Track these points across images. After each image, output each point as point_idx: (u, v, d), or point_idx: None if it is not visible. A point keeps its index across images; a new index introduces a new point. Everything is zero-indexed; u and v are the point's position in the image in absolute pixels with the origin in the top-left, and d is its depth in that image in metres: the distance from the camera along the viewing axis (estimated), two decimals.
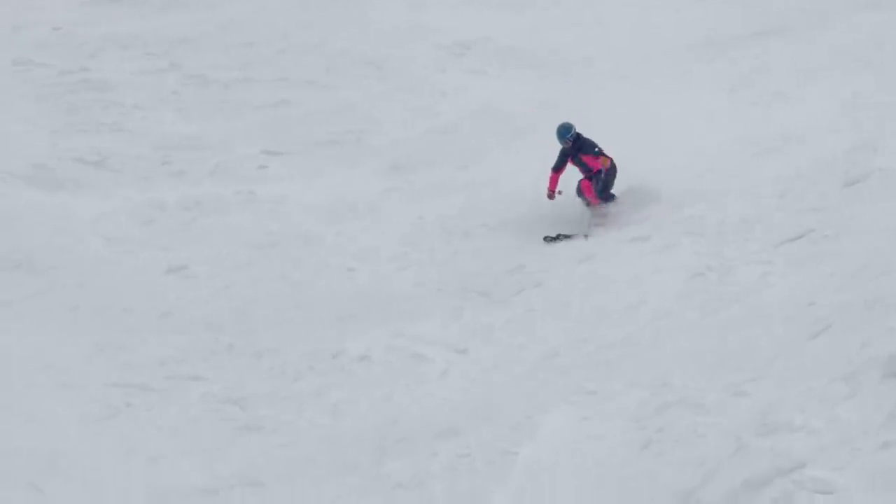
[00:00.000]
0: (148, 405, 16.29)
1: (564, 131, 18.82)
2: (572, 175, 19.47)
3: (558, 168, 18.95)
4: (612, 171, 19.05)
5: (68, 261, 20.42)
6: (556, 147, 19.46)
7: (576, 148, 18.78)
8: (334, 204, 21.73)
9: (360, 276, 19.23)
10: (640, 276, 16.53)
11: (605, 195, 19.24)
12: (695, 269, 16.00)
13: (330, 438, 14.52)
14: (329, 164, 23.65)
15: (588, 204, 19.26)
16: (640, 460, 11.09)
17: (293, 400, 15.84)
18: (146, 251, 20.81)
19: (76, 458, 15.17)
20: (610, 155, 18.90)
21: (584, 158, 18.87)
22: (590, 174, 19.12)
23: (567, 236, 18.63)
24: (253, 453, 14.63)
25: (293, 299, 18.80)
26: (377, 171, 22.93)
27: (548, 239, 18.58)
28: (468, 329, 16.71)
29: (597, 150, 18.72)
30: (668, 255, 16.95)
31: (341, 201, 21.82)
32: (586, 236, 18.52)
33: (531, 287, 17.58)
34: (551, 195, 18.95)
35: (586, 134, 19.12)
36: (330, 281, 19.20)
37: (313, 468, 13.73)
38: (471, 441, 12.87)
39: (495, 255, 18.70)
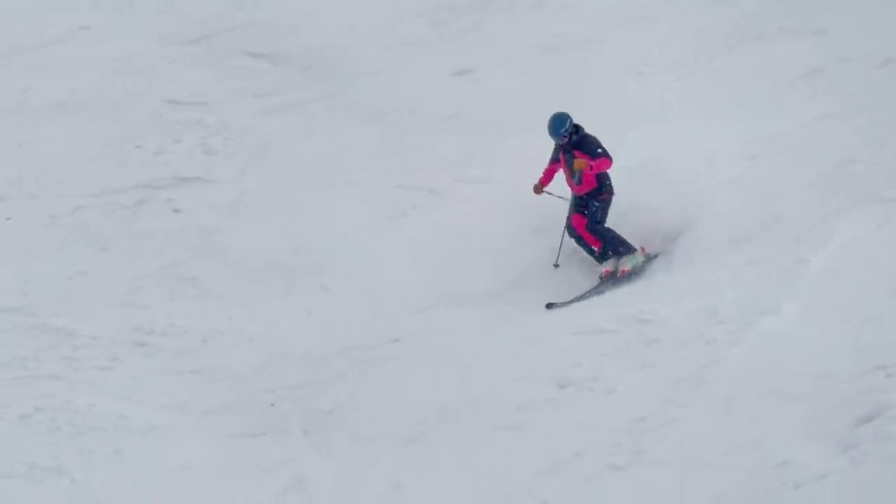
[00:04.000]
0: (433, 207, 16.64)
1: (559, 124, 13.90)
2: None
3: (553, 162, 14.47)
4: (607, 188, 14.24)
5: (357, 62, 20.90)
6: None
7: (570, 144, 13.96)
8: (620, 7, 21.33)
9: (649, 80, 18.96)
10: None
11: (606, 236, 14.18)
12: None
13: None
14: None
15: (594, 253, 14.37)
16: None
17: None
18: (434, 53, 21.04)
19: (363, 258, 15.75)
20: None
21: (579, 157, 13.93)
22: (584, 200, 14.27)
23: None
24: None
25: (579, 104, 18.66)
26: None
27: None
28: (758, 134, 16.28)
29: (600, 150, 13.82)
30: None
31: (628, 5, 21.40)
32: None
33: (822, 93, 17.02)
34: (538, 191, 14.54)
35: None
36: (618, 86, 18.98)
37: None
38: (761, 248, 12.72)
39: (783, 62, 18.11)
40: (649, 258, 13.93)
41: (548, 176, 14.27)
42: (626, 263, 13.82)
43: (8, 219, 17.46)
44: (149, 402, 13.40)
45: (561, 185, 14.52)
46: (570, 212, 14.12)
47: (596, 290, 13.76)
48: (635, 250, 13.92)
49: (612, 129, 16.72)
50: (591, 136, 13.80)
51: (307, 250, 16.11)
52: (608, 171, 13.86)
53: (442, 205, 16.61)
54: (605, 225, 13.97)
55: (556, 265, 14.21)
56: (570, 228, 14.08)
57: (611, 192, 14.03)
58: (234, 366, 14.10)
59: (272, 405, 13.08)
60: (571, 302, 13.56)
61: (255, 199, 17.61)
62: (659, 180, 15.26)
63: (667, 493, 8.47)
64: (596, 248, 13.96)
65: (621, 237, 13.94)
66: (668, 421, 9.62)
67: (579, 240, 14.04)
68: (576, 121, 13.87)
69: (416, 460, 10.92)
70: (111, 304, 15.39)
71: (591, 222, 13.94)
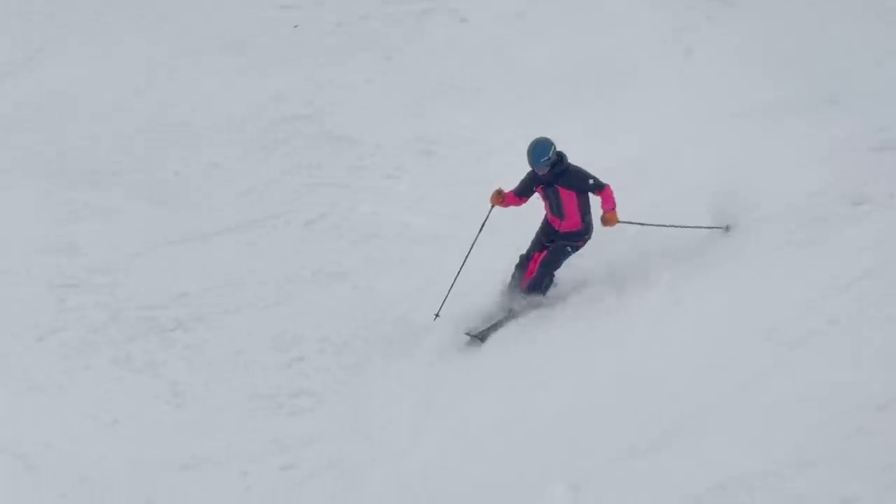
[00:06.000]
0: (729, 19, 16.10)
1: (540, 152, 11.38)
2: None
3: (520, 195, 11.90)
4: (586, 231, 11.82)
5: None
6: None
7: (552, 175, 11.52)
8: None
9: None
10: None
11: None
12: None
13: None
14: None
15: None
16: None
17: None
18: None
19: (648, 74, 15.46)
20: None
21: (562, 193, 11.61)
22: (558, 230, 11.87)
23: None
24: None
25: None
26: None
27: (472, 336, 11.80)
28: None
29: (592, 181, 11.46)
30: None
31: None
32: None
33: None
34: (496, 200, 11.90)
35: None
36: None
37: None
38: None
39: None
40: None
41: (511, 200, 11.86)
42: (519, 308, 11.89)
43: (295, 26, 17.86)
44: (431, 212, 13.65)
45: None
46: (533, 245, 11.97)
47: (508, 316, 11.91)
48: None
49: None
50: (576, 169, 11.52)
51: (593, 62, 15.92)
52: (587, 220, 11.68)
53: (738, 18, 16.09)
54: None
55: (437, 315, 11.80)
56: (525, 257, 11.94)
57: (586, 241, 11.86)
58: (518, 177, 14.16)
59: None
60: (488, 330, 11.74)
61: (542, 9, 17.45)
62: None
63: None
64: (523, 285, 11.90)
65: (545, 290, 11.92)
66: None
67: (521, 268, 11.93)
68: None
69: (698, 276, 10.81)
70: (396, 113, 15.67)
71: (550, 260, 11.76)
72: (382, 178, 14.45)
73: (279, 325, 12.03)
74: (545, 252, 11.80)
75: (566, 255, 11.83)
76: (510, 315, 11.82)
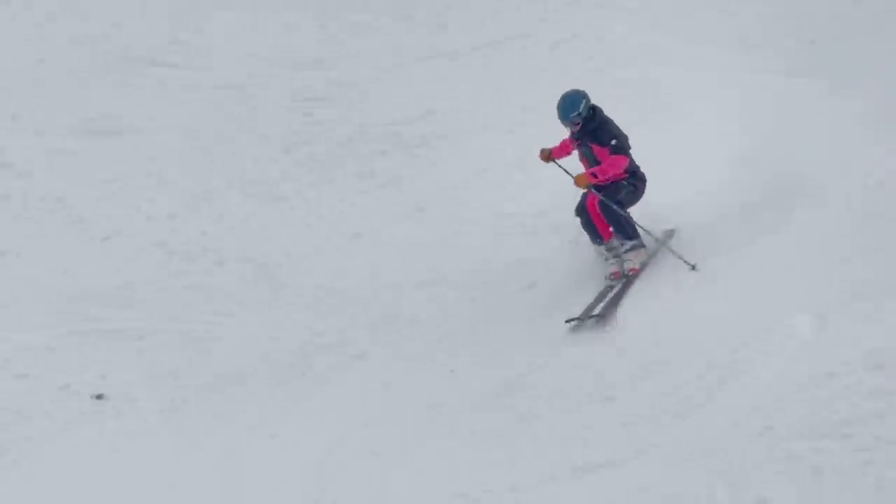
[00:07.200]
0: None
1: (569, 107, 10.36)
2: None
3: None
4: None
5: None
6: None
7: (585, 132, 10.48)
8: None
9: None
10: None
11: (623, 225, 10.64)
12: None
13: None
14: None
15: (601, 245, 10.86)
16: None
17: None
18: None
19: None
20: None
21: (596, 150, 10.52)
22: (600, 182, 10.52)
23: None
24: None
25: None
26: None
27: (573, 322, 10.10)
28: None
29: (614, 143, 10.36)
30: None
31: None
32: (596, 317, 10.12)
33: None
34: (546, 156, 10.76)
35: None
36: None
37: None
38: None
39: None
40: (661, 243, 10.70)
41: (563, 149, 10.81)
42: (635, 261, 10.64)
43: None
44: (682, 34, 13.30)
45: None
46: (583, 196, 10.75)
47: (611, 293, 10.53)
48: (643, 246, 10.74)
49: None
50: (608, 124, 10.50)
51: None
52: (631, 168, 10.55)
53: None
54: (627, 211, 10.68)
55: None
56: (581, 208, 10.75)
57: (643, 181, 10.68)
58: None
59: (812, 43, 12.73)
60: (590, 317, 10.16)
61: None
62: None
63: None
64: (604, 238, 10.76)
65: (635, 226, 10.68)
66: None
67: (587, 223, 10.76)
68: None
69: None
70: None
71: (606, 198, 10.50)
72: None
73: (522, 147, 11.83)
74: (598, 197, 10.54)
75: (624, 189, 10.54)
76: (620, 281, 10.55)
